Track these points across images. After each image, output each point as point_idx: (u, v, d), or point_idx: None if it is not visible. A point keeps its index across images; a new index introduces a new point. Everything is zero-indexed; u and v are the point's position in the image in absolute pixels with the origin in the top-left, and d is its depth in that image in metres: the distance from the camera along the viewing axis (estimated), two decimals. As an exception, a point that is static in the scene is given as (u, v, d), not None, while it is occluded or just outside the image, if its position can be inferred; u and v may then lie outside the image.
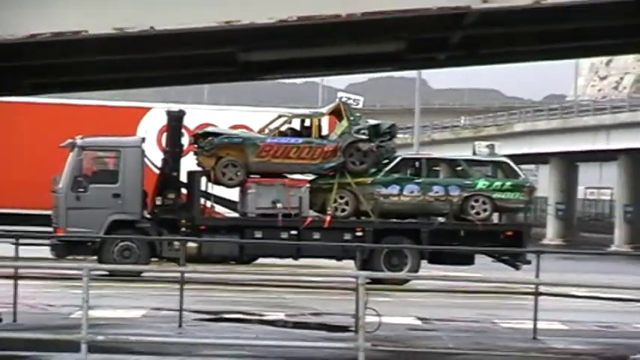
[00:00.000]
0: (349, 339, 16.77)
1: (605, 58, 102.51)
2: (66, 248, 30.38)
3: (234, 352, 17.94)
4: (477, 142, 39.19)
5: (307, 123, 32.33)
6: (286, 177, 32.71)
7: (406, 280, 29.13)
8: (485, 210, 31.90)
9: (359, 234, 31.01)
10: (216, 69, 21.41)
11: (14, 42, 14.11)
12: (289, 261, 31.13)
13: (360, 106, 33.54)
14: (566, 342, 20.51)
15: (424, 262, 31.22)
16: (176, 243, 28.60)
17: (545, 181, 72.15)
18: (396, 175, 32.07)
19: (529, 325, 21.05)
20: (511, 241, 31.76)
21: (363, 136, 31.56)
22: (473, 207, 31.75)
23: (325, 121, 32.80)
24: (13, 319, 20.57)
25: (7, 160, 37.57)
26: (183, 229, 30.56)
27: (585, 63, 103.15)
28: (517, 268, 29.89)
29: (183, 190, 31.82)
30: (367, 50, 18.81)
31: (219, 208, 33.39)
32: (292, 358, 17.52)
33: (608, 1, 13.83)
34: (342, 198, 31.41)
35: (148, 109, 40.20)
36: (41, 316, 21.22)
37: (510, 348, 19.78)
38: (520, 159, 41.71)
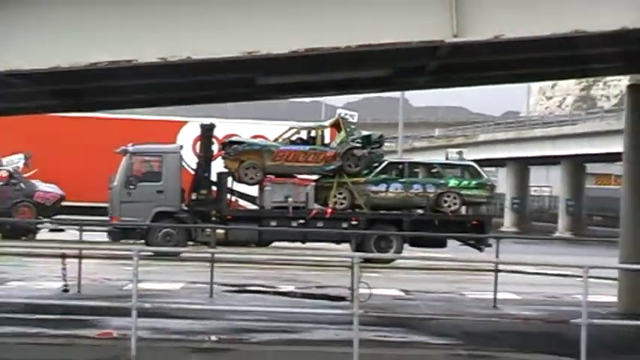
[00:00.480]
0: (346, 307, 16.76)
1: (551, 82, 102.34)
2: (120, 233, 30.52)
3: (254, 317, 17.96)
4: (448, 150, 39.28)
5: (312, 134, 32.46)
6: (296, 177, 32.81)
7: (392, 260, 29.09)
8: (455, 204, 31.98)
9: (354, 223, 31.12)
10: (239, 90, 21.38)
11: (80, 69, 14.12)
12: (298, 244, 31.12)
13: (355, 120, 33.65)
14: (519, 309, 20.49)
15: (406, 246, 31.23)
16: (208, 230, 28.66)
17: (503, 181, 72.03)
18: (383, 176, 32.13)
19: (490, 295, 21.04)
20: (476, 228, 31.81)
21: (358, 145, 31.68)
22: (445, 201, 31.83)
23: (327, 132, 32.86)
24: (77, 290, 20.67)
25: (74, 163, 37.70)
26: (214, 218, 30.61)
27: (535, 86, 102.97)
28: (480, 250, 29.91)
29: (214, 188, 31.85)
30: (361, 75, 18.78)
31: (242, 202, 33.39)
32: (302, 321, 17.55)
33: (548, 37, 13.81)
34: (340, 194, 31.46)
35: (185, 122, 40.29)
36: (100, 288, 21.24)
37: (475, 314, 19.77)
38: (483, 163, 41.66)
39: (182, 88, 19.84)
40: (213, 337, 15.90)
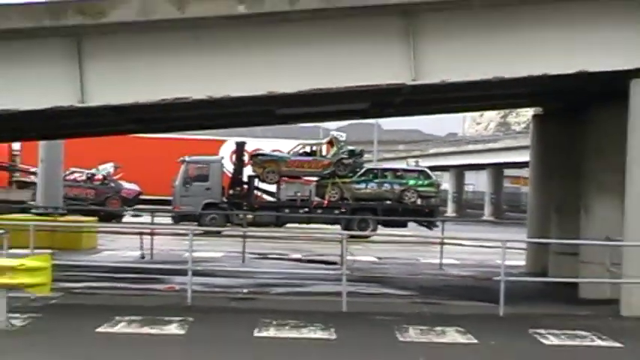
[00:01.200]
0: (337, 269, 16.74)
1: (480, 112, 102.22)
2: (180, 218, 30.44)
3: (273, 276, 18.01)
4: (408, 159, 39.22)
5: (314, 148, 32.48)
6: (302, 178, 32.86)
7: (369, 236, 29.07)
8: (413, 197, 31.99)
9: (343, 210, 31.02)
10: (262, 118, 21.36)
11: (152, 103, 14.15)
12: (304, 225, 31.10)
13: (344, 138, 33.46)
14: (458, 270, 20.52)
15: (380, 227, 31.23)
16: (241, 215, 28.69)
17: (446, 181, 71.86)
18: (363, 178, 32.10)
19: (437, 261, 21.07)
20: (427, 214, 31.76)
21: (345, 156, 31.72)
22: (406, 195, 31.84)
23: (324, 147, 32.80)
24: (151, 257, 20.69)
25: (148, 169, 37.70)
26: (245, 207, 30.57)
27: (469, 114, 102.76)
28: (431, 229, 29.84)
29: (245, 186, 31.83)
30: (348, 107, 18.79)
31: (265, 196, 33.32)
32: (307, 278, 17.58)
33: (477, 81, 13.83)
34: (333, 190, 31.43)
35: (225, 140, 40.25)
36: (166, 256, 21.16)
37: (427, 273, 19.82)
38: (433, 168, 41.61)
39: (222, 116, 19.84)
40: (244, 290, 15.94)
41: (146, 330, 11.14)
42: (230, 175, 32.36)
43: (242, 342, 10.66)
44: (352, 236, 22.01)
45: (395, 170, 34.41)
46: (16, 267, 11.26)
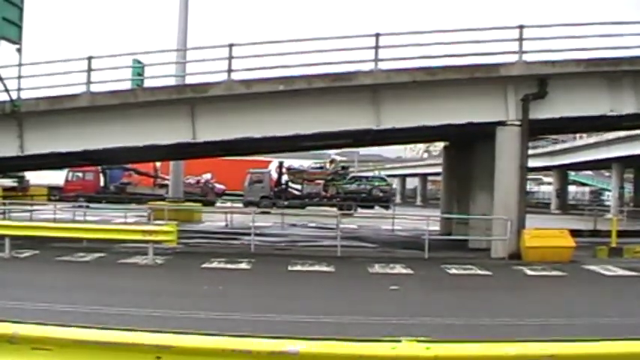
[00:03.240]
0: (334, 231, 16.80)
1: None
2: (247, 203, 30.24)
3: (299, 236, 17.95)
4: (375, 171, 39.10)
5: (322, 164, 32.48)
6: (315, 181, 32.75)
7: (352, 214, 28.89)
8: (377, 191, 31.86)
9: (338, 199, 30.90)
10: (292, 147, 21.17)
11: (239, 139, 14.17)
12: (316, 207, 30.96)
13: (339, 158, 33.64)
14: (403, 232, 20.36)
15: (360, 209, 31.10)
16: (281, 201, 28.66)
17: (396, 183, 71.20)
18: (349, 181, 32.09)
19: (391, 227, 20.92)
20: (385, 201, 31.48)
21: (340, 169, 31.82)
22: (374, 190, 31.72)
23: (328, 164, 32.83)
24: (231, 225, 20.37)
25: (230, 175, 36.77)
26: (283, 198, 30.53)
27: (408, 145, 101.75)
28: (387, 209, 29.74)
29: (283, 186, 31.75)
30: (340, 141, 18.75)
31: (295, 192, 33.08)
32: (318, 237, 17.54)
33: (411, 127, 13.90)
34: (333, 188, 31.42)
35: (271, 160, 39.69)
36: (240, 224, 21.06)
37: (385, 234, 19.73)
38: (388, 176, 41.61)
39: (269, 146, 19.75)
40: (283, 244, 15.88)
41: (228, 266, 11.21)
42: (275, 180, 32.31)
43: (282, 273, 10.68)
44: (343, 214, 21.98)
45: (367, 177, 34.45)
46: (158, 230, 11.43)
